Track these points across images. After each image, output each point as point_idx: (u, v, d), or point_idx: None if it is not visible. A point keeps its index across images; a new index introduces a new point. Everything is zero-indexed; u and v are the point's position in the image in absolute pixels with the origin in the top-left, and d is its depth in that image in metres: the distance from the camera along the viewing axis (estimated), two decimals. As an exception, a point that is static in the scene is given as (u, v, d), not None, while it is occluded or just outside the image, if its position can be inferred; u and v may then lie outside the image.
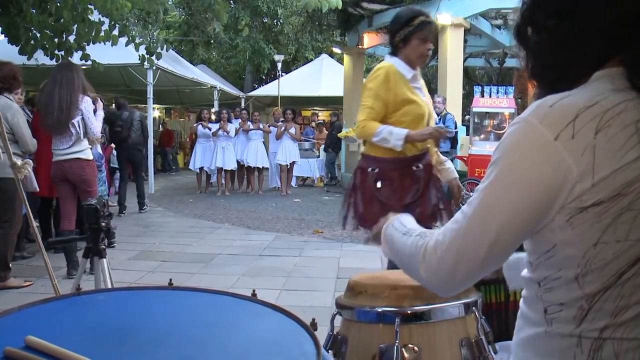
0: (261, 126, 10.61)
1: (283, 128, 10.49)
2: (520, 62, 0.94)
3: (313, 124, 14.56)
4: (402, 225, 1.06)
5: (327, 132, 13.04)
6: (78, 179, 4.25)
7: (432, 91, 7.78)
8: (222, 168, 10.29)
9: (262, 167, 10.64)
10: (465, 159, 8.57)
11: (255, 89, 21.15)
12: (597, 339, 0.82)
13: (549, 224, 0.82)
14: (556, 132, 0.78)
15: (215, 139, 10.19)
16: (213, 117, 10.95)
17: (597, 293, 0.80)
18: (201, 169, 10.54)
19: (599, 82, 0.83)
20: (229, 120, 10.31)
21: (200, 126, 10.38)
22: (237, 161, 10.41)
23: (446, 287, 0.91)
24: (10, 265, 4.19)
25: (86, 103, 4.26)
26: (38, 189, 3.90)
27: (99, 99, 4.65)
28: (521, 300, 0.95)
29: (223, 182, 10.55)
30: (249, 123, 10.58)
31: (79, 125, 4.18)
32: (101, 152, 6.77)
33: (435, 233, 0.91)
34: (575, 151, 0.77)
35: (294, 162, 10.78)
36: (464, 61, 11.24)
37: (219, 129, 10.10)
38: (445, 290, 0.92)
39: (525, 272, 0.93)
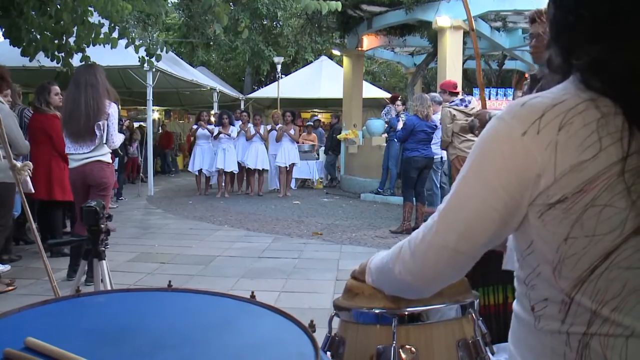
0: (262, 131, 10.58)
1: (281, 130, 10.49)
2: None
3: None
4: (385, 251, 1.11)
5: (315, 134, 13.05)
6: (97, 182, 4.04)
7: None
8: (222, 170, 10.27)
9: (262, 169, 10.65)
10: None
11: (255, 90, 21.17)
12: (584, 334, 0.84)
13: (525, 219, 0.85)
14: (525, 128, 0.82)
15: (217, 141, 10.18)
16: (212, 119, 10.93)
17: (573, 287, 0.83)
18: (200, 171, 10.53)
19: (570, 81, 0.87)
20: (231, 123, 10.30)
21: (200, 128, 10.37)
22: (238, 163, 10.41)
23: (417, 283, 0.92)
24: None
25: (113, 109, 4.09)
26: (33, 190, 3.85)
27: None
28: (514, 301, 0.97)
29: (223, 184, 10.54)
30: (249, 125, 10.57)
31: (103, 129, 4.01)
32: None
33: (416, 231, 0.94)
34: (540, 146, 0.81)
35: (293, 164, 10.78)
36: (463, 63, 11.26)
37: (219, 133, 10.08)
38: (418, 287, 0.93)
39: (515, 271, 0.96)
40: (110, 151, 4.21)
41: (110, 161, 4.22)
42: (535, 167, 0.81)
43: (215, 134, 10.12)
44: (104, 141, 4.06)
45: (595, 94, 0.82)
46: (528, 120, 0.82)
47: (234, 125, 10.34)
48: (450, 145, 6.11)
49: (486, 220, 0.85)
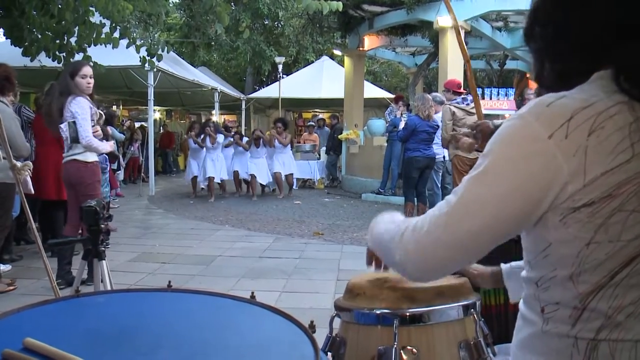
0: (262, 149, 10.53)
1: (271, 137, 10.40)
2: (530, 62, 0.97)
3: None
4: (390, 217, 1.06)
5: (316, 134, 13.00)
6: (75, 181, 3.97)
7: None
8: (213, 177, 10.03)
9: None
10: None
11: (256, 90, 21.17)
12: (592, 339, 0.83)
13: (543, 222, 0.82)
14: (551, 131, 0.79)
15: (205, 151, 10.07)
16: (214, 118, 10.85)
17: (590, 292, 0.81)
18: (195, 177, 10.42)
19: (596, 83, 0.84)
20: (218, 131, 10.20)
21: (191, 140, 10.31)
22: (237, 175, 10.36)
23: (418, 273, 0.88)
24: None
25: (77, 105, 3.85)
26: (33, 191, 3.81)
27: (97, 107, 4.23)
28: (520, 301, 0.95)
29: (219, 188, 10.41)
30: (246, 140, 10.56)
31: (66, 129, 3.88)
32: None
33: (417, 218, 0.90)
34: (568, 151, 0.78)
35: (292, 174, 10.63)
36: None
37: (204, 137, 9.98)
38: (417, 277, 0.90)
39: (524, 272, 0.94)
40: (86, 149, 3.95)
41: (89, 160, 3.97)
42: (560, 174, 0.78)
43: (199, 140, 10.03)
44: (70, 141, 3.92)
45: (627, 97, 0.79)
46: (555, 123, 0.79)
47: (221, 133, 10.25)
48: (450, 144, 6.10)
49: (499, 223, 0.82)
